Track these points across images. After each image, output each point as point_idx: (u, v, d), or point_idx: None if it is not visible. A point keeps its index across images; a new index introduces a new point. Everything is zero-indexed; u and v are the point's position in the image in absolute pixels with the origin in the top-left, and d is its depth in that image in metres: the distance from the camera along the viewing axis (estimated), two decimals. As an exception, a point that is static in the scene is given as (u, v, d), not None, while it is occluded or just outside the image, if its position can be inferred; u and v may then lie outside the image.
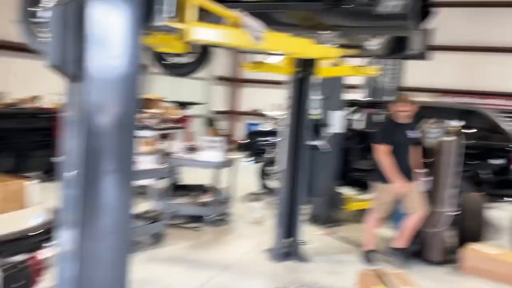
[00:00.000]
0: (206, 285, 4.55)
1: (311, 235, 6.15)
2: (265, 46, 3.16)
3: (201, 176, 7.11)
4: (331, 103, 6.64)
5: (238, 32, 2.91)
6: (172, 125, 8.34)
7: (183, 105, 12.25)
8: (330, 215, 6.82)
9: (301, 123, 5.20)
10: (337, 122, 6.62)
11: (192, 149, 6.53)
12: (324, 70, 5.13)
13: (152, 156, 5.94)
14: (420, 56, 4.64)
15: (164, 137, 7.64)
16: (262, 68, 5.30)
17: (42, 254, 3.87)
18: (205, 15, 2.81)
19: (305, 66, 5.00)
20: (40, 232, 4.48)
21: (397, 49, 4.32)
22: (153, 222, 5.53)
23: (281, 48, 3.85)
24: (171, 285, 4.53)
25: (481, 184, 6.47)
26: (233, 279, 4.76)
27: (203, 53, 4.52)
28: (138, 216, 5.50)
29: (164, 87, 13.61)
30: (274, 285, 4.62)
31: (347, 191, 7.57)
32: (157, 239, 5.50)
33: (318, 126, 8.05)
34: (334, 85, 6.65)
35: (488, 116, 6.97)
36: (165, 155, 6.48)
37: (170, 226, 6.06)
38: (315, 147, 7.06)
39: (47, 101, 9.39)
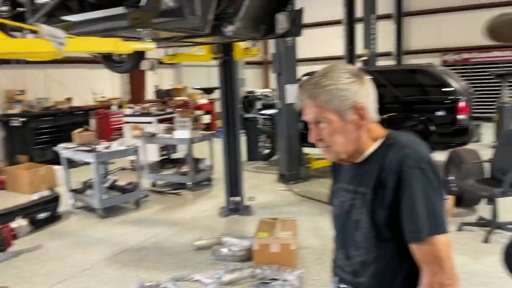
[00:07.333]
0: (148, 240, 5.40)
1: (275, 191, 7.26)
2: (70, 49, 3.56)
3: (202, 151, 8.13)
4: (286, 78, 7.57)
5: (42, 41, 3.34)
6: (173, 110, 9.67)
7: (208, 91, 13.54)
8: (295, 173, 7.80)
9: (232, 99, 6.16)
10: (291, 94, 7.48)
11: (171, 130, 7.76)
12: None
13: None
14: (289, 34, 5.16)
15: (164, 121, 8.92)
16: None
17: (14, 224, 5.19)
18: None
19: (225, 52, 6.02)
20: (28, 207, 5.95)
21: (268, 30, 4.99)
22: (132, 191, 6.79)
23: (86, 48, 4.31)
24: (121, 241, 5.39)
25: (429, 135, 7.13)
26: (174, 233, 5.60)
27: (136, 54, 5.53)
28: (121, 187, 6.86)
29: (190, 77, 15.16)
30: (207, 235, 5.22)
31: (310, 151, 8.00)
32: (137, 205, 6.79)
33: (250, 101, 9.03)
34: (288, 61, 7.56)
35: (433, 73, 7.52)
36: (151, 136, 7.83)
37: (157, 193, 7.46)
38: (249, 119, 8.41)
39: (80, 101, 11.17)
